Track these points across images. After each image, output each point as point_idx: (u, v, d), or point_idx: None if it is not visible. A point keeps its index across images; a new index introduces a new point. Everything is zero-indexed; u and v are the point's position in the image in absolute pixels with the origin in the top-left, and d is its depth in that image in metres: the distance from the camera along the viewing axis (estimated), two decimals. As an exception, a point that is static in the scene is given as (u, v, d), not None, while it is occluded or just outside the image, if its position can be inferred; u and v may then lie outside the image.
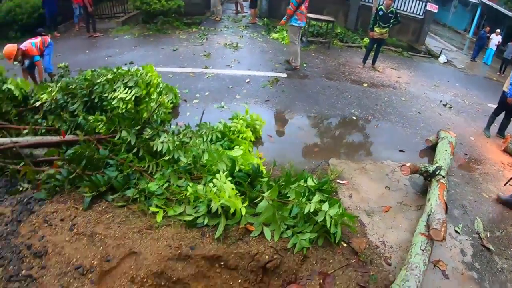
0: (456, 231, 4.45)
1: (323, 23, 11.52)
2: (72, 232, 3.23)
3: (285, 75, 7.89)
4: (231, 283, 3.12)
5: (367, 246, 3.81)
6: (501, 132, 7.40)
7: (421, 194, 4.87)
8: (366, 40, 11.62)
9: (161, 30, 10.22)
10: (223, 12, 13.13)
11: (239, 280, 3.15)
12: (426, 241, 3.66)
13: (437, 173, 4.73)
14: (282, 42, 10.20)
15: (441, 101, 9.04)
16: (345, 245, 3.69)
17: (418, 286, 3.18)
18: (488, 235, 4.54)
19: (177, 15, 11.20)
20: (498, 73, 15.07)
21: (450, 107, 8.72)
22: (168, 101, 5.37)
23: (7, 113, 4.66)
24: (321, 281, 3.28)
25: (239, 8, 13.45)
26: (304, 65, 8.77)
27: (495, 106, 7.41)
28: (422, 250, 3.56)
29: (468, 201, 5.07)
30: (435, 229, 3.64)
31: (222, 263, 3.12)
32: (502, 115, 7.29)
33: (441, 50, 14.99)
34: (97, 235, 3.18)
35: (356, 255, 3.65)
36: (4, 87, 4.60)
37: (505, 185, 5.13)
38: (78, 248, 3.10)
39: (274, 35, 10.69)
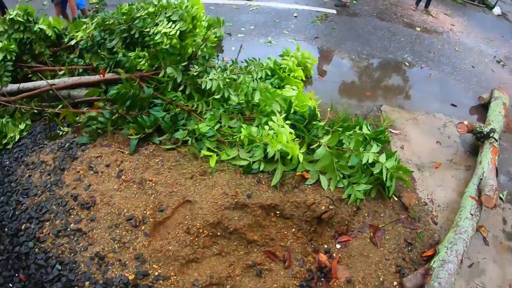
0: (500, 198, 4.37)
1: None
2: (120, 180, 3.12)
3: (334, 11, 7.49)
4: (285, 232, 3.08)
5: (417, 202, 3.77)
6: None
7: (471, 153, 4.75)
8: None
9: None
10: None
11: (293, 230, 3.11)
12: (476, 205, 3.63)
13: (491, 135, 4.57)
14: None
15: (494, 57, 8.52)
16: (396, 199, 3.66)
17: (465, 250, 3.17)
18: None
19: None
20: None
21: (503, 65, 8.25)
22: (215, 36, 5.09)
23: (41, 54, 4.42)
24: (371, 234, 3.28)
25: None
26: (354, 2, 8.32)
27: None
28: (472, 214, 3.54)
29: (516, 168, 4.93)
30: (488, 195, 3.59)
31: (278, 212, 3.06)
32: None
33: (496, 1, 13.93)
34: (147, 182, 3.07)
35: (406, 210, 3.62)
36: (35, 28, 4.30)
37: None
38: (128, 197, 3.00)
39: None
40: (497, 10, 12.93)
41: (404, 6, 9.32)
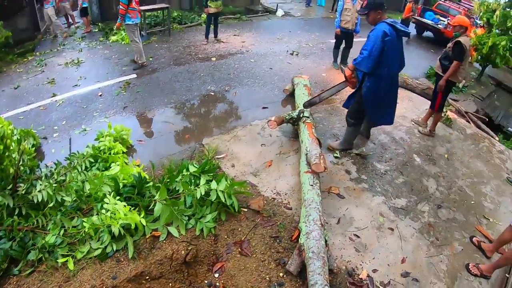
0: (336, 157, 5.09)
1: (159, 12, 11.32)
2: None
3: (134, 75, 7.74)
4: None
5: (265, 202, 4.14)
6: (343, 61, 8.54)
7: (294, 138, 5.36)
8: (204, 16, 11.74)
9: (-6, 71, 9.04)
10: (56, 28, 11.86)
11: (170, 284, 3.23)
12: (312, 176, 4.09)
13: (301, 116, 5.20)
14: (123, 43, 9.88)
15: (287, 51, 9.91)
16: (245, 210, 3.98)
17: (320, 215, 3.59)
18: (364, 149, 5.28)
19: (7, 49, 9.93)
20: (330, 11, 16.93)
21: (297, 54, 9.66)
22: (30, 147, 4.98)
23: None
24: (239, 249, 3.54)
25: (70, 20, 12.16)
26: (150, 59, 8.67)
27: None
28: (312, 185, 3.98)
29: (337, 128, 5.79)
30: (315, 163, 4.08)
31: (147, 277, 3.17)
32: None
33: (277, 5, 15.98)
34: None
35: (258, 214, 3.96)
36: None
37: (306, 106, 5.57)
38: None
39: (113, 38, 10.20)
40: (280, 13, 14.90)
41: (196, 44, 10.05)
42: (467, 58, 5.87)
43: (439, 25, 15.03)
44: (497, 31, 11.72)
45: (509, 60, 12.10)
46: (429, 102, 6.70)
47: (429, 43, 13.84)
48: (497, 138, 7.77)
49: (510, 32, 11.67)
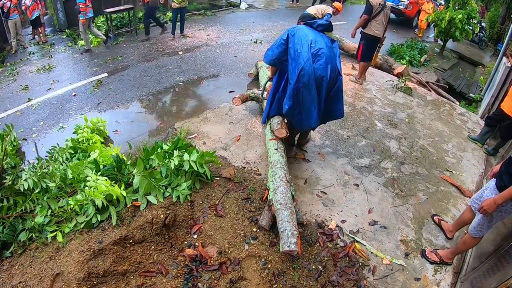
0: None
1: (124, 13, 11.45)
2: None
3: (106, 74, 7.93)
4: (147, 252, 3.44)
5: (235, 171, 4.46)
6: None
7: (260, 115, 5.70)
8: (169, 14, 12.02)
9: (-33, 83, 9.01)
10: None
11: (152, 247, 3.47)
12: (276, 142, 4.40)
13: (265, 95, 5.45)
14: (92, 45, 10.00)
15: (251, 40, 10.36)
16: (218, 178, 4.29)
17: (285, 173, 3.86)
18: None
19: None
20: (291, 2, 17.47)
21: (260, 42, 10.08)
22: (12, 149, 5.15)
23: None
24: (214, 212, 3.85)
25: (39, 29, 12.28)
26: (120, 57, 8.88)
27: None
28: (276, 149, 4.29)
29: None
30: (277, 129, 4.38)
31: (131, 241, 3.40)
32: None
33: (240, -1, 16.34)
34: (18, 285, 3.13)
35: (230, 181, 4.27)
36: None
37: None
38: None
39: (82, 42, 10.20)
40: (243, 6, 15.22)
41: (163, 40, 10.32)
42: (380, 15, 6.82)
43: (399, 6, 15.71)
44: (455, 7, 12.37)
45: (468, 32, 12.81)
46: (388, 74, 7.24)
47: (391, 24, 14.38)
48: (458, 103, 8.35)
49: (466, 6, 12.31)
